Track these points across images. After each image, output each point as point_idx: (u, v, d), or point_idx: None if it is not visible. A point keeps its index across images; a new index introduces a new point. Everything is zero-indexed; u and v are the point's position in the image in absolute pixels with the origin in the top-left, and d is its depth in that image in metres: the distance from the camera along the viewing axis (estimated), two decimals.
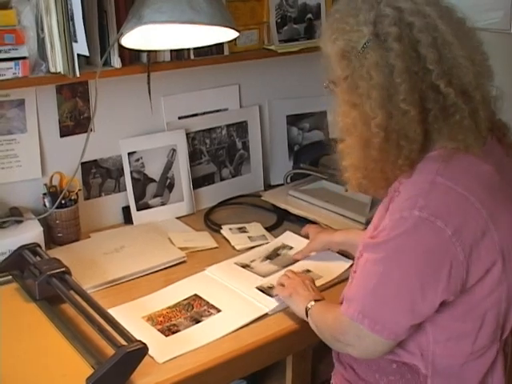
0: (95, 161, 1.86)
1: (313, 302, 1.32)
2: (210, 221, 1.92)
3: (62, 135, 1.78)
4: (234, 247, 1.75)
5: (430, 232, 1.06)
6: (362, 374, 1.26)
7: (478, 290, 1.12)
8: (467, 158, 1.12)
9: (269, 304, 1.46)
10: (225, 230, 1.82)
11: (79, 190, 1.79)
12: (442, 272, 1.07)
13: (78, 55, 1.52)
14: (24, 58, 1.52)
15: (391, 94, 1.07)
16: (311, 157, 2.12)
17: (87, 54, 1.51)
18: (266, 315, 1.43)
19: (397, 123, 1.08)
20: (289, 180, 2.12)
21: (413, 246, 1.08)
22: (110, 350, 1.23)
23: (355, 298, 1.14)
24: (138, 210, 1.91)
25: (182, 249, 1.72)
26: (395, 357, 1.19)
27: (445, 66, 1.07)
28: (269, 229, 1.87)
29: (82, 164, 1.80)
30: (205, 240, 1.80)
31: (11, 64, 1.50)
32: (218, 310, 1.45)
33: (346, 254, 1.61)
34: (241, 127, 2.11)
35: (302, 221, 1.83)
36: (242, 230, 1.82)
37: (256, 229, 1.85)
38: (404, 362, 1.19)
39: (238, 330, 1.38)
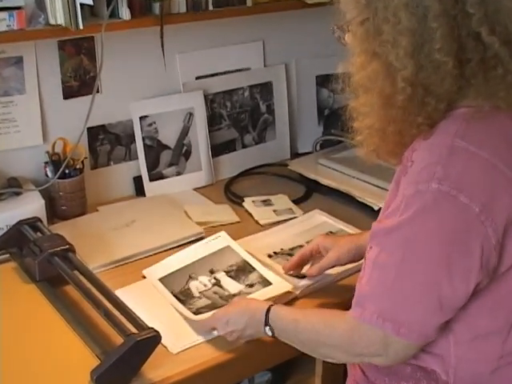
0: (103, 126, 1.84)
1: (267, 307, 1.21)
2: (231, 192, 1.91)
3: (66, 97, 1.76)
4: (257, 222, 1.73)
5: (453, 209, 0.98)
6: (372, 377, 1.19)
7: (510, 278, 1.03)
8: (498, 117, 1.04)
9: (295, 282, 1.43)
10: (247, 203, 1.81)
11: (85, 158, 1.78)
12: (472, 257, 0.99)
13: (81, 5, 1.50)
14: (19, 7, 1.49)
15: (424, 42, 0.98)
16: (343, 121, 2.06)
17: (91, 3, 1.50)
18: (294, 298, 1.41)
19: (427, 77, 1.00)
20: (318, 147, 2.12)
21: (434, 227, 0.99)
22: (118, 339, 1.21)
23: (369, 299, 1.05)
24: (150, 180, 1.90)
25: (199, 224, 1.71)
26: (410, 359, 1.10)
27: (488, 10, 0.98)
28: (296, 201, 1.84)
29: (88, 129, 1.79)
30: (225, 214, 1.79)
31: (5, 15, 1.47)
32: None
33: None
34: (265, 88, 2.10)
35: (333, 193, 1.82)
36: (267, 203, 1.81)
37: (282, 201, 1.83)
38: (420, 365, 1.11)
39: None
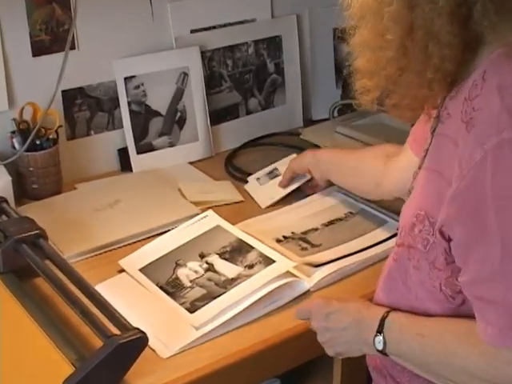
0: (81, 88, 1.84)
1: (385, 313, 1.16)
2: (233, 167, 1.92)
3: (35, 54, 1.75)
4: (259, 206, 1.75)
5: None
6: None
7: None
8: None
9: (309, 272, 1.43)
10: (250, 183, 1.80)
11: (60, 126, 1.76)
12: None
13: None
14: None
15: None
16: None
17: None
18: (307, 292, 1.41)
19: (421, 17, 1.01)
20: (336, 113, 2.13)
21: None
22: (97, 342, 1.20)
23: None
24: (138, 152, 1.91)
25: (195, 203, 1.71)
26: None
27: None
28: None
29: (63, 92, 1.78)
30: (226, 192, 1.79)
31: None
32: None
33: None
34: (273, 44, 2.10)
35: None
36: (273, 174, 1.79)
37: None
38: None
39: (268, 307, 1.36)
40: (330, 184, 1.69)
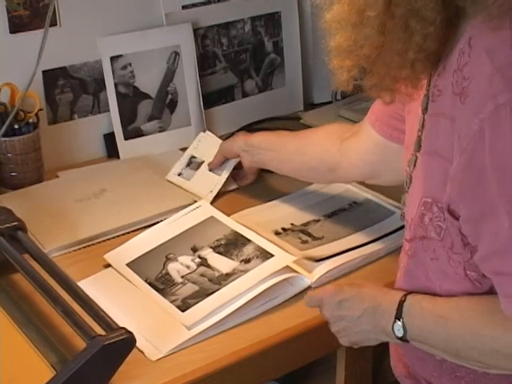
0: (63, 68, 1.83)
1: (402, 296, 1.16)
2: None
3: (13, 30, 1.74)
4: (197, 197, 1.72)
5: None
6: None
7: None
8: None
9: (310, 267, 1.43)
10: (175, 182, 1.77)
11: (40, 109, 1.76)
12: None
13: None
14: None
15: None
16: None
17: None
18: (308, 289, 1.40)
19: None
20: (339, 96, 2.13)
21: None
22: (80, 343, 1.20)
23: None
24: (125, 138, 1.91)
25: (187, 192, 1.73)
26: None
27: None
28: None
29: (44, 73, 1.78)
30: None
31: None
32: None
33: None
34: (271, 21, 2.10)
35: None
36: (195, 164, 1.78)
37: None
38: None
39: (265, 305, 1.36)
40: (259, 176, 1.71)
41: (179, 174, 1.77)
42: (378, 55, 1.06)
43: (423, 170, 1.13)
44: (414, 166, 1.16)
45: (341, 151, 1.48)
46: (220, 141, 1.75)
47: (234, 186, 1.74)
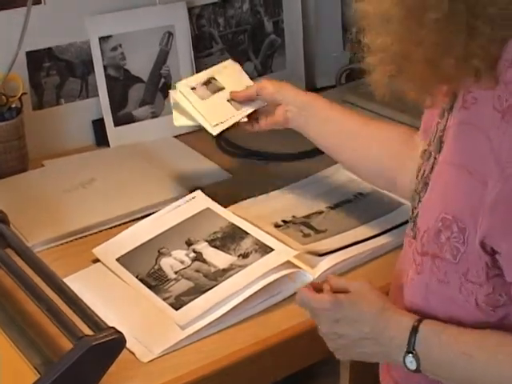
0: (49, 49, 1.83)
1: (414, 323, 1.12)
2: (226, 141, 1.91)
3: None
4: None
5: None
6: None
7: None
8: None
9: (313, 262, 1.43)
10: (182, 91, 1.58)
11: (24, 93, 1.76)
12: None
13: None
14: None
15: None
16: None
17: None
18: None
19: None
20: (343, 80, 2.15)
21: None
22: (66, 343, 1.19)
23: None
24: (116, 124, 1.91)
25: (181, 182, 1.73)
26: None
27: None
28: (313, 153, 1.78)
29: (28, 54, 1.78)
30: (216, 169, 1.81)
31: None
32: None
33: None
34: None
35: None
36: (214, 86, 1.63)
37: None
38: None
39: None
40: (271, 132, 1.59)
41: (193, 88, 1.61)
42: (430, 59, 1.02)
43: (445, 181, 1.11)
44: (432, 168, 1.14)
45: (401, 169, 1.39)
46: (248, 77, 1.64)
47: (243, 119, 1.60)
